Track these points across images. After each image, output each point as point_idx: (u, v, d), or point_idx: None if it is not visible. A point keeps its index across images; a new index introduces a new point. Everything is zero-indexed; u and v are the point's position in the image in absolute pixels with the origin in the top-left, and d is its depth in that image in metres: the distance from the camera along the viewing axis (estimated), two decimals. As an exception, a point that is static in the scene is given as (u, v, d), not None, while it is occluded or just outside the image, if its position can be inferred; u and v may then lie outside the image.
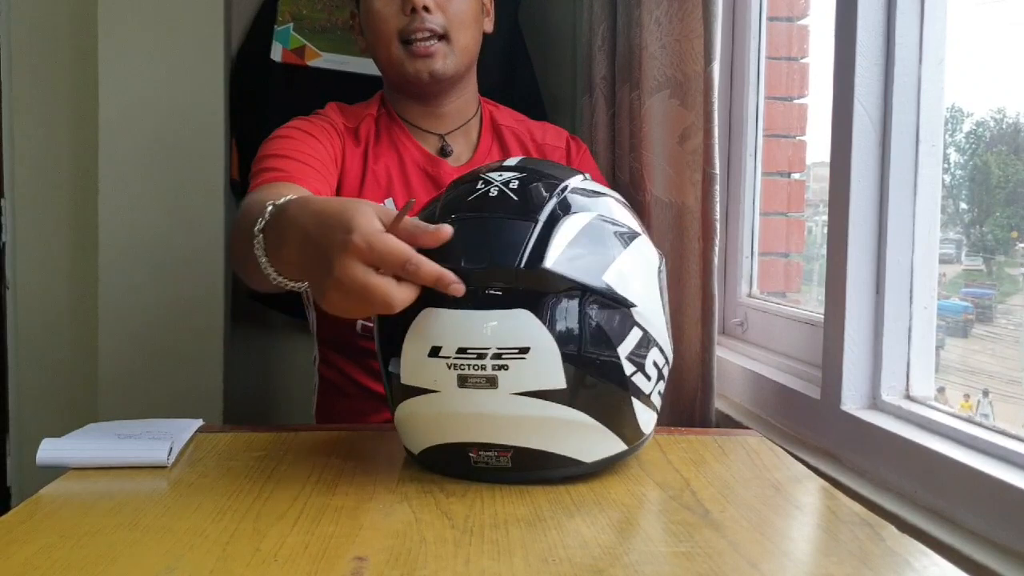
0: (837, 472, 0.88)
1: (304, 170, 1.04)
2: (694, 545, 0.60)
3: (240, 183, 1.86)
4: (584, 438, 0.72)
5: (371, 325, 1.13)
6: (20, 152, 1.87)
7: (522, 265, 0.67)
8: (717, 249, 1.06)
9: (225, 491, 0.71)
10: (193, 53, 1.76)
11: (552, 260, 0.67)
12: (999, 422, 0.78)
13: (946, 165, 0.92)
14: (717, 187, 1.05)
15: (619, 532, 0.63)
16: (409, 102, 1.19)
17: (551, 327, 0.67)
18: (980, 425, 0.79)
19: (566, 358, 0.68)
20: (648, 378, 0.74)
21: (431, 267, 0.64)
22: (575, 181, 0.76)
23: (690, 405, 1.10)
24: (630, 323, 0.71)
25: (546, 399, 0.69)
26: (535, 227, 0.69)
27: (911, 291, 0.91)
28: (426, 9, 1.09)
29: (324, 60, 1.85)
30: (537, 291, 0.67)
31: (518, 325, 0.67)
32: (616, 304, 0.70)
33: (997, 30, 0.94)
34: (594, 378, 0.70)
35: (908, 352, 0.92)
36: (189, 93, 1.76)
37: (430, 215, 0.73)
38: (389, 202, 1.15)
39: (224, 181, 1.80)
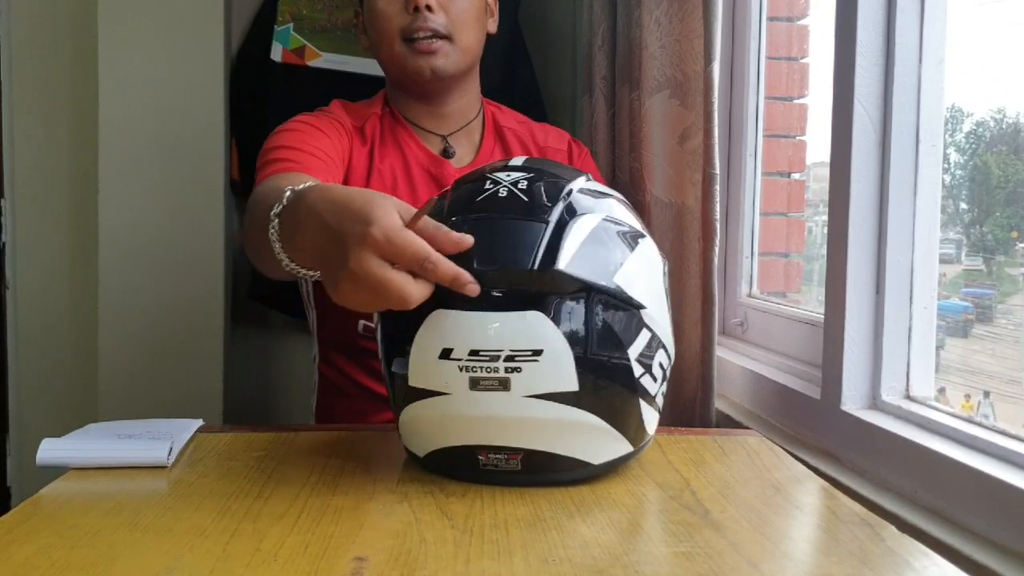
0: (837, 472, 0.88)
1: (313, 162, 1.04)
2: (694, 545, 0.60)
3: (240, 183, 1.86)
4: (593, 440, 0.72)
5: (372, 325, 1.14)
6: (20, 152, 1.87)
7: (535, 267, 0.67)
8: (717, 249, 1.06)
9: (225, 491, 0.71)
10: (193, 53, 1.76)
11: (565, 261, 0.67)
12: (999, 422, 0.78)
13: (946, 165, 0.92)
14: (717, 187, 1.06)
15: (619, 532, 0.63)
16: (412, 102, 1.19)
17: (564, 329, 0.67)
18: (980, 425, 0.79)
19: (578, 360, 0.68)
20: (655, 379, 0.74)
21: (449, 266, 0.64)
22: (581, 182, 0.76)
23: (690, 405, 1.10)
24: (640, 325, 0.71)
25: (557, 401, 0.68)
26: (547, 228, 0.69)
27: (911, 291, 0.91)
28: (429, 8, 1.09)
29: (324, 60, 1.85)
30: (549, 293, 0.67)
31: (531, 327, 0.67)
32: (627, 306, 0.70)
33: (997, 30, 0.94)
34: (605, 380, 0.70)
35: (908, 352, 0.92)
36: (189, 93, 1.76)
37: (437, 214, 0.72)
38: None
39: (224, 181, 1.80)
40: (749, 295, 1.33)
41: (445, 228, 0.66)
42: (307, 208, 0.69)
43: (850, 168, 0.92)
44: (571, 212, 0.71)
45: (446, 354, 0.68)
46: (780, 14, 1.34)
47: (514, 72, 1.86)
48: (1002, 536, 0.67)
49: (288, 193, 0.74)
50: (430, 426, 0.73)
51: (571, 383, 0.68)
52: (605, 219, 0.72)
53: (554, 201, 0.71)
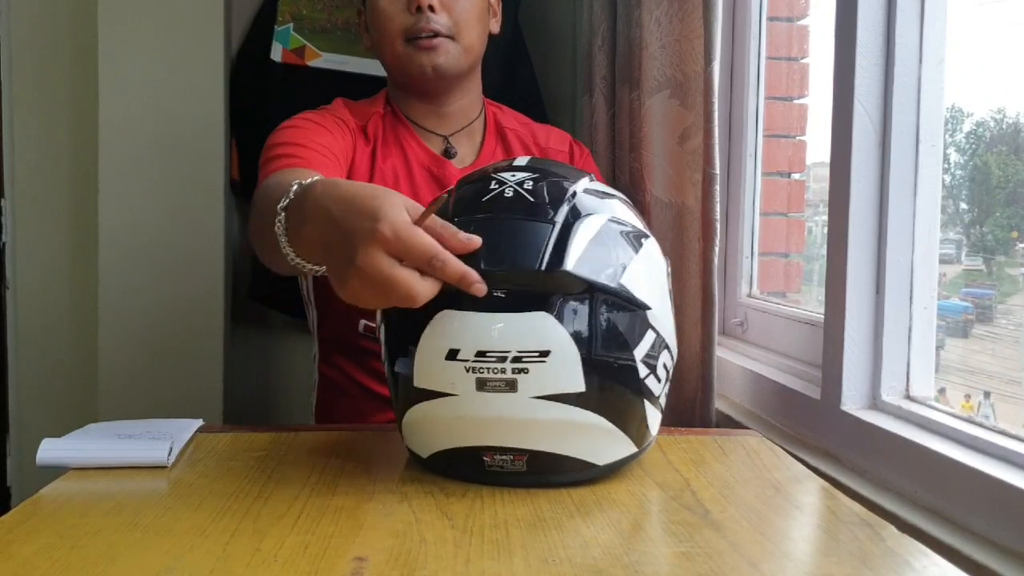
0: (837, 472, 0.88)
1: (317, 159, 1.04)
2: (694, 545, 0.60)
3: (240, 183, 1.86)
4: (598, 440, 0.72)
5: (373, 325, 1.14)
6: (20, 152, 1.87)
7: (543, 267, 0.67)
8: (717, 249, 1.06)
9: (225, 491, 0.71)
10: (193, 53, 1.77)
11: (572, 262, 0.67)
12: (1000, 422, 0.78)
13: (946, 165, 0.92)
14: (717, 187, 1.06)
15: (619, 532, 0.63)
16: (414, 101, 1.19)
17: (571, 330, 0.67)
18: (980, 425, 0.79)
19: (585, 361, 0.68)
20: (659, 380, 0.74)
21: (457, 264, 0.64)
22: (585, 182, 0.76)
23: (690, 405, 1.10)
24: (645, 326, 0.71)
25: (564, 402, 0.68)
26: (553, 229, 0.69)
27: (911, 291, 0.91)
28: (431, 8, 1.09)
29: (324, 60, 1.85)
30: (556, 293, 0.67)
31: (539, 328, 0.67)
32: (632, 307, 0.70)
33: (997, 30, 0.94)
34: (611, 381, 0.70)
35: (908, 352, 0.92)
36: (189, 93, 1.77)
37: (442, 214, 0.71)
38: None
39: (224, 181, 1.80)
40: (749, 295, 1.33)
41: (453, 227, 0.66)
42: (314, 202, 0.69)
43: (850, 168, 0.92)
44: (577, 213, 0.71)
45: (452, 355, 0.67)
46: (780, 14, 1.34)
47: (514, 72, 1.86)
48: (1002, 536, 0.67)
49: (295, 187, 0.73)
50: (435, 427, 0.73)
51: (578, 384, 0.68)
52: (610, 220, 0.72)
53: (560, 202, 0.71)
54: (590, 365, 0.68)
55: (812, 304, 1.27)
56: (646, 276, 0.72)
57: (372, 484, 0.73)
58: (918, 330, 0.91)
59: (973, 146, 1.04)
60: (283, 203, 0.73)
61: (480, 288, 0.65)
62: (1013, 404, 0.96)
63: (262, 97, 1.83)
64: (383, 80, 1.24)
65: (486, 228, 0.68)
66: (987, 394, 0.97)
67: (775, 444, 0.90)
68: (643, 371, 0.71)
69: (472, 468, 0.72)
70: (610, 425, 0.71)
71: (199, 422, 0.90)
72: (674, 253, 1.15)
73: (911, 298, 0.91)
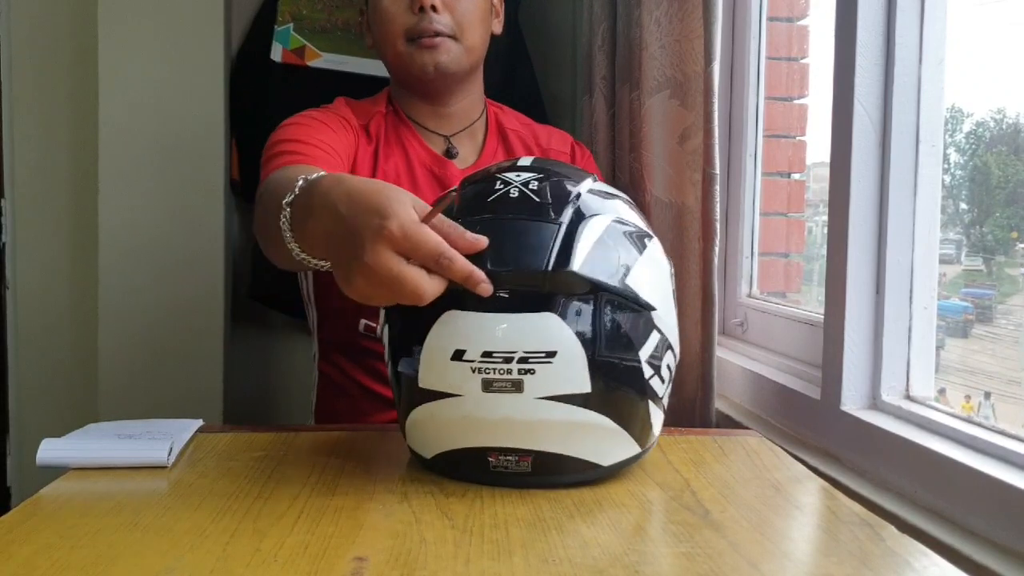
0: (837, 472, 0.88)
1: (320, 155, 1.03)
2: (694, 545, 0.60)
3: (240, 183, 1.86)
4: (602, 441, 0.72)
5: (374, 325, 1.14)
6: (20, 152, 1.87)
7: (549, 268, 0.67)
8: (717, 249, 1.06)
9: (225, 491, 0.71)
10: (193, 53, 1.77)
11: (579, 263, 0.67)
12: (1000, 423, 0.78)
13: (946, 165, 0.92)
14: (717, 187, 1.06)
15: (619, 532, 0.63)
16: (416, 101, 1.19)
17: (576, 330, 0.67)
18: (980, 425, 0.79)
19: (591, 362, 0.68)
20: (662, 381, 0.74)
21: (464, 263, 0.64)
22: (589, 183, 0.76)
23: (690, 405, 1.10)
24: (650, 326, 0.71)
25: (570, 403, 0.68)
26: (559, 229, 0.69)
27: (911, 291, 0.91)
28: (434, 9, 1.09)
29: (324, 60, 1.85)
30: (562, 294, 0.67)
31: (545, 328, 0.67)
32: (638, 307, 0.70)
33: (997, 30, 0.94)
34: (616, 382, 0.70)
35: (908, 352, 0.92)
36: (189, 93, 1.77)
37: (447, 213, 0.71)
38: None
39: (224, 181, 1.80)
40: (749, 295, 1.33)
41: (460, 227, 0.66)
42: (320, 198, 0.69)
43: (850, 168, 0.92)
44: (581, 214, 0.71)
45: (459, 355, 0.67)
46: (780, 14, 1.34)
47: (514, 72, 1.86)
48: (1002, 536, 0.67)
49: (300, 182, 0.73)
50: (440, 428, 0.72)
51: (584, 385, 0.68)
52: (614, 220, 0.73)
53: (565, 202, 0.71)
54: (596, 366, 0.68)
55: (812, 304, 1.27)
56: (650, 277, 0.72)
57: (372, 484, 0.73)
58: (918, 330, 0.91)
59: (973, 146, 1.04)
60: (288, 198, 0.73)
61: (486, 288, 0.65)
62: (1013, 404, 0.96)
63: (262, 97, 1.83)
64: (383, 80, 1.24)
65: (491, 228, 0.68)
66: (987, 394, 0.97)
67: (775, 444, 0.90)
68: (648, 372, 0.71)
69: (477, 469, 0.72)
70: (615, 426, 0.71)
71: (199, 422, 0.90)
72: (674, 253, 1.14)
73: (911, 298, 0.91)
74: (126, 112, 1.74)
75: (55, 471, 0.76)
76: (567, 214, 0.70)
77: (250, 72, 1.85)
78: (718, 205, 1.06)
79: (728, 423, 1.11)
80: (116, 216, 1.75)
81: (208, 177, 1.78)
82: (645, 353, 0.71)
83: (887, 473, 0.83)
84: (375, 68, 1.76)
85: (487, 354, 0.67)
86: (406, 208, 0.63)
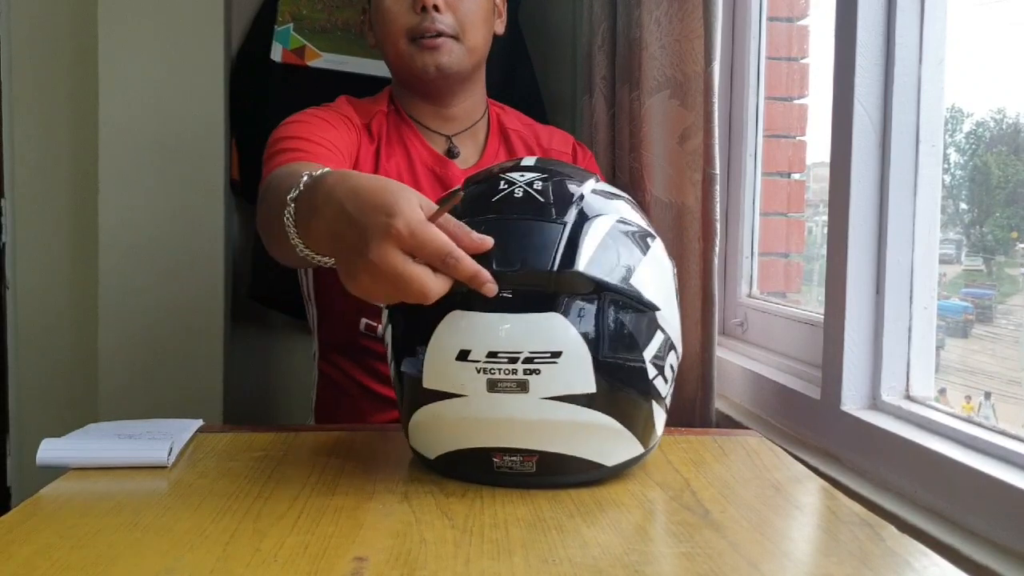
0: (837, 472, 0.88)
1: (323, 153, 1.03)
2: (694, 545, 0.60)
3: (240, 183, 1.86)
4: (606, 441, 0.72)
5: (375, 325, 1.14)
6: (20, 152, 1.87)
7: (555, 268, 0.67)
8: (717, 249, 1.06)
9: (225, 491, 0.71)
10: (193, 53, 1.77)
11: (584, 263, 0.67)
12: (1000, 423, 0.78)
13: (946, 165, 0.92)
14: (717, 187, 1.06)
15: (619, 532, 0.63)
16: (418, 101, 1.19)
17: (581, 330, 0.67)
18: (980, 425, 0.79)
19: (596, 362, 0.68)
20: (666, 381, 0.74)
21: (470, 263, 0.64)
22: (592, 183, 0.76)
23: (690, 405, 1.10)
24: (654, 326, 0.71)
25: (575, 403, 0.68)
26: (564, 229, 0.69)
27: (911, 291, 0.91)
28: (436, 9, 1.09)
29: (324, 60, 1.85)
30: (567, 294, 0.67)
31: (551, 328, 0.67)
32: (642, 308, 0.70)
33: (997, 30, 0.94)
34: (621, 382, 0.70)
35: (908, 352, 0.92)
36: (189, 93, 1.77)
37: (452, 213, 0.71)
38: None
39: (224, 181, 1.80)
40: (749, 295, 1.33)
41: (466, 227, 0.66)
42: (325, 194, 0.68)
43: (850, 168, 0.92)
44: (585, 214, 0.71)
45: (463, 356, 0.67)
46: (780, 14, 1.34)
47: (514, 72, 1.86)
48: (1002, 536, 0.67)
49: (305, 178, 0.73)
50: (444, 428, 0.72)
51: (589, 385, 0.68)
52: (618, 221, 0.73)
53: (568, 203, 0.71)
54: (601, 366, 0.68)
55: (812, 304, 1.27)
56: (654, 277, 0.72)
57: (372, 484, 0.73)
58: (918, 330, 0.91)
59: (973, 146, 1.04)
60: (293, 194, 0.73)
61: (492, 288, 0.65)
62: (1013, 404, 0.96)
63: (262, 97, 1.83)
64: (383, 80, 1.24)
65: (496, 228, 0.68)
66: (988, 395, 0.97)
67: (775, 444, 0.90)
68: (652, 372, 0.71)
69: (480, 469, 0.72)
70: (619, 426, 0.71)
71: (199, 422, 0.90)
72: (674, 253, 1.14)
73: (911, 298, 0.91)
74: (126, 112, 1.74)
75: (55, 471, 0.76)
76: (571, 214, 0.70)
77: (250, 72, 1.85)
78: (718, 205, 1.06)
79: (728, 423, 1.11)
80: (116, 216, 1.75)
81: (208, 177, 1.78)
82: (649, 353, 0.71)
83: (887, 473, 0.83)
84: (375, 68, 1.76)
85: (492, 354, 0.66)
86: (413, 206, 0.63)
